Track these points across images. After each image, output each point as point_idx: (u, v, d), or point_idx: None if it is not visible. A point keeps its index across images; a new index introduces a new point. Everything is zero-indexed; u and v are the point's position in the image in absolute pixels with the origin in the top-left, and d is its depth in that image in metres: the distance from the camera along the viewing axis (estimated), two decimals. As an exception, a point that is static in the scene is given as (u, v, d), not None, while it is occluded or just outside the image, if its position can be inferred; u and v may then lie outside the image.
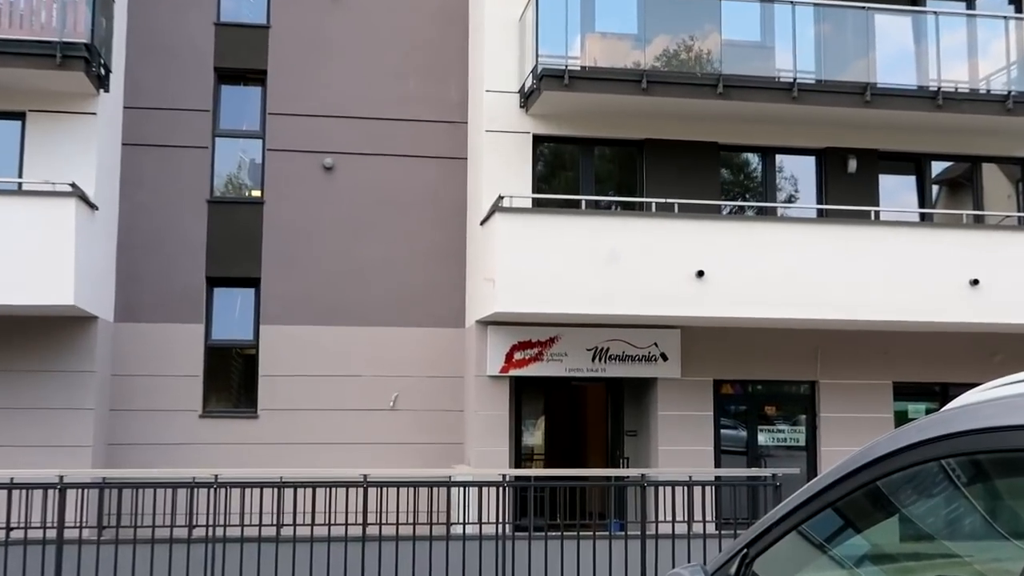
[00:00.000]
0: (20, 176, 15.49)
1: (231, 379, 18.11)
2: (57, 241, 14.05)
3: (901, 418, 17.20)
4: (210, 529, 10.44)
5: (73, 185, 14.33)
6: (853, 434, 16.54)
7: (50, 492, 10.41)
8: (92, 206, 15.03)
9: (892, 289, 15.38)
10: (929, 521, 2.55)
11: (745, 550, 2.54)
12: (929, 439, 2.11)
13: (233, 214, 17.88)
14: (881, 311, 15.49)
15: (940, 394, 17.69)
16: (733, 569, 2.53)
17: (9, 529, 10.66)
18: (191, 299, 17.43)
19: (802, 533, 2.51)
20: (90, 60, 14.82)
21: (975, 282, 15.38)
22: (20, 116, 15.74)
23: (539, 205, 16.42)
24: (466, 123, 18.18)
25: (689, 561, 10.27)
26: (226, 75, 18.14)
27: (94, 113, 15.68)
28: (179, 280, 17.38)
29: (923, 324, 16.04)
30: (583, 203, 16.58)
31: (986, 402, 2.09)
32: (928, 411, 16.75)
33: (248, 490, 10.89)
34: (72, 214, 14.08)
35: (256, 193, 18.14)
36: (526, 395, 17.84)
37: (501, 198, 15.09)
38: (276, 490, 11.07)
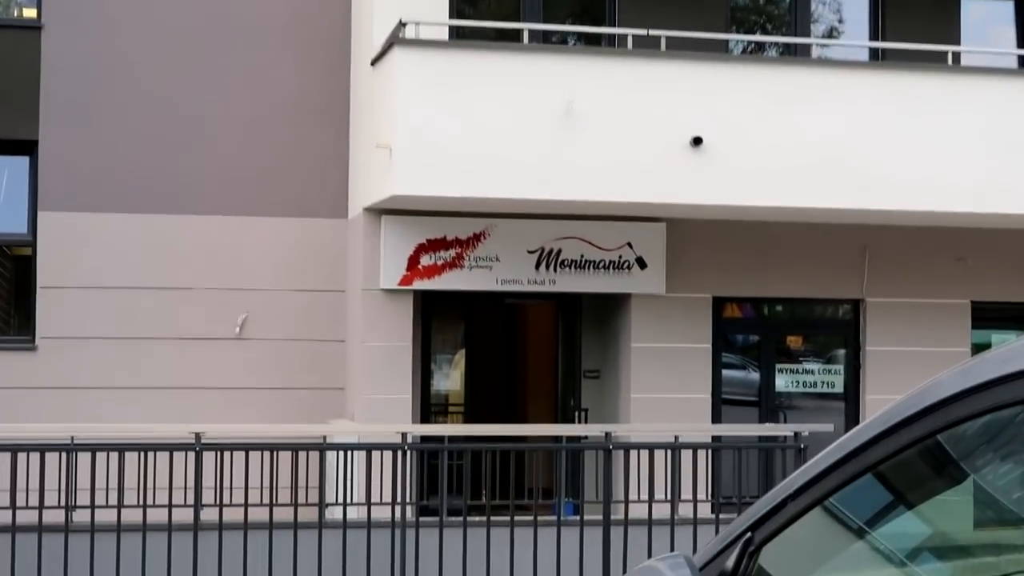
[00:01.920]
0: None
1: (-6, 292, 17.90)
2: None
3: (982, 351, 17.56)
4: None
5: None
6: (912, 376, 16.83)
7: None
8: None
9: (976, 167, 15.55)
10: (1018, 495, 2.58)
11: (749, 534, 2.56)
12: (1019, 372, 2.11)
13: (-7, 44, 17.48)
14: (959, 199, 15.68)
15: (1037, 320, 18.11)
16: (731, 561, 2.54)
17: None
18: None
19: (829, 510, 2.53)
20: None
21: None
22: None
23: (461, 36, 16.25)
24: (349, -93, 17.88)
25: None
26: None
27: None
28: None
29: (1020, 218, 16.28)
30: (525, 34, 16.42)
31: None
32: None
33: (23, 455, 10.81)
34: None
35: (29, 12, 17.70)
36: (438, 318, 17.89)
37: (403, 25, 14.89)
38: (64, 455, 11.01)
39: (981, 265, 17.61)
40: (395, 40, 14.90)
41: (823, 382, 18.02)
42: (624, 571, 10.95)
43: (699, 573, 2.49)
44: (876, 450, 2.35)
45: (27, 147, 17.44)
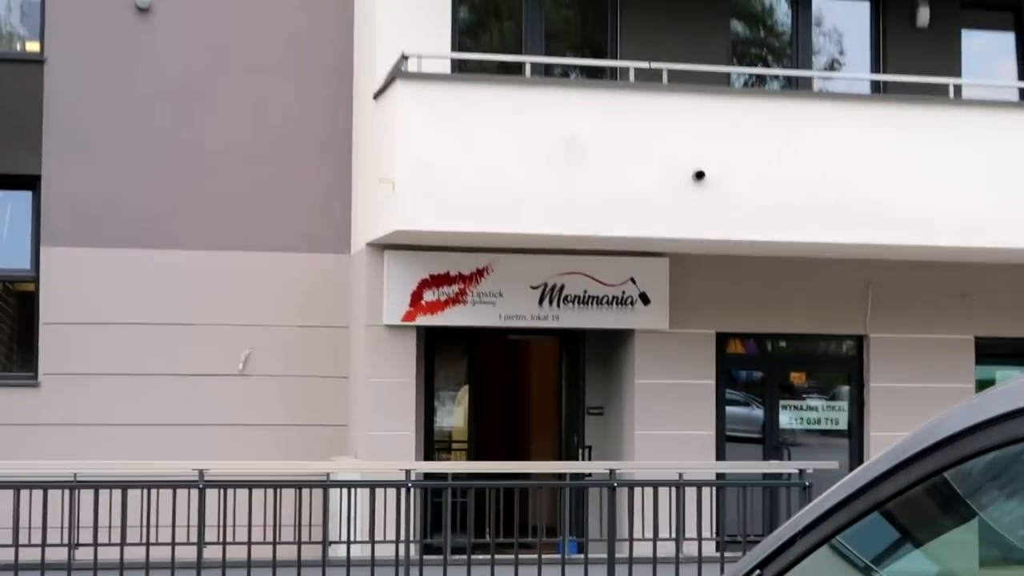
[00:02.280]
0: None
1: (-4, 328, 17.89)
2: None
3: (986, 387, 17.55)
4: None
5: None
6: (916, 412, 16.85)
7: None
8: None
9: (980, 201, 15.57)
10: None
11: (758, 572, 2.57)
12: None
13: (-3, 78, 17.53)
14: (963, 233, 15.69)
15: (1042, 354, 18.11)
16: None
17: None
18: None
19: (837, 548, 2.54)
20: None
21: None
22: None
23: (463, 70, 16.28)
24: (352, -56, 17.95)
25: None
26: None
27: None
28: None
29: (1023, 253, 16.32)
30: (527, 67, 16.49)
31: None
32: (1025, 379, 17.07)
33: (26, 492, 10.81)
34: None
35: (32, 46, 17.74)
36: (442, 354, 17.88)
37: (405, 58, 14.93)
38: (67, 492, 11.01)
39: (985, 300, 17.61)
40: (397, 74, 14.93)
41: (827, 419, 18.01)
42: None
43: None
44: (884, 487, 2.36)
45: (30, 182, 17.43)
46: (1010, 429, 2.14)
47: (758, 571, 2.53)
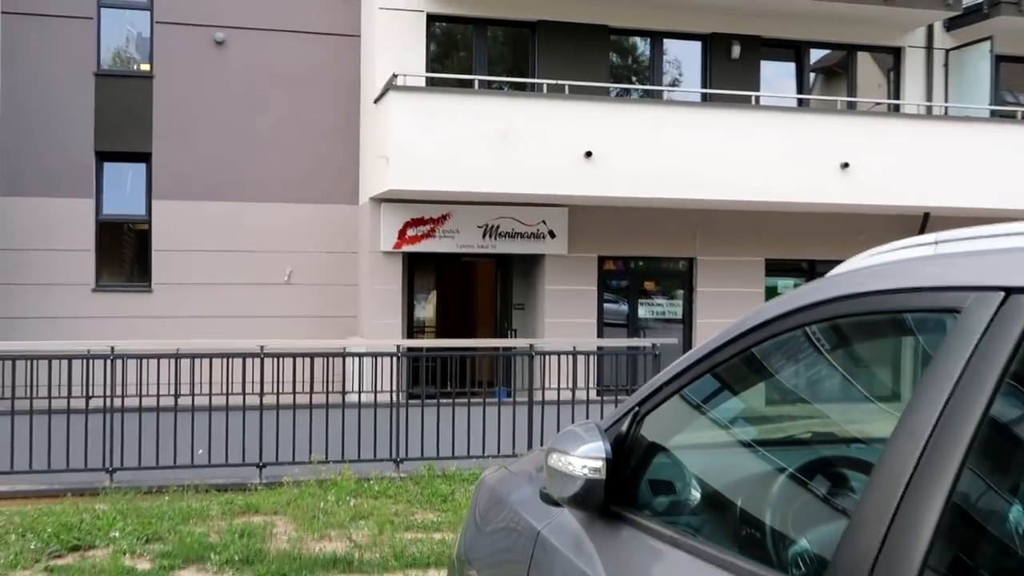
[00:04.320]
0: None
1: (124, 254, 17.65)
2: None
3: (771, 292, 17.80)
4: (107, 400, 10.26)
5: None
6: (727, 307, 17.07)
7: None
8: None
9: (769, 171, 15.70)
10: (795, 383, 2.61)
11: (637, 408, 2.58)
12: (808, 304, 2.11)
13: (122, 88, 17.15)
14: (758, 192, 15.83)
15: (807, 270, 18.35)
16: (625, 426, 2.57)
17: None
18: (80, 174, 16.80)
19: (684, 397, 2.56)
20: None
21: (846, 165, 15.82)
22: None
23: (433, 84, 16.13)
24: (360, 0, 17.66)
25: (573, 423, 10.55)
26: (110, -58, 17.17)
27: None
28: (67, 154, 16.71)
29: (797, 204, 16.48)
30: (476, 83, 16.39)
31: (860, 270, 2.10)
32: (796, 286, 17.32)
33: (144, 361, 10.71)
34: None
35: (145, 67, 17.39)
36: (418, 270, 17.86)
37: (395, 76, 14.77)
38: (173, 361, 10.92)
39: (771, 235, 17.80)
40: (390, 87, 14.76)
41: (669, 311, 18.14)
42: (542, 435, 11.03)
43: (603, 434, 2.50)
44: (716, 356, 2.37)
45: (145, 157, 17.22)
46: (797, 319, 2.15)
47: (637, 408, 2.55)
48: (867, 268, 2.07)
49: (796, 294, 2.21)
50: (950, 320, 1.71)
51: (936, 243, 1.95)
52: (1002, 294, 1.61)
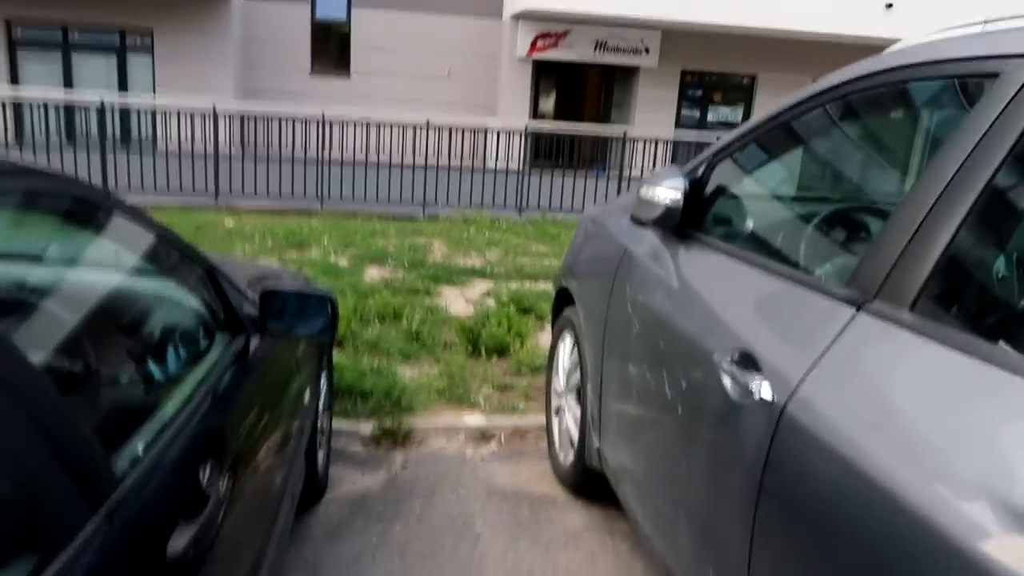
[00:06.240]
0: None
1: (331, 49, 17.44)
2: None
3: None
4: (319, 152, 10.44)
5: None
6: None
7: (206, 118, 10.31)
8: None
9: (823, 6, 14.25)
10: (848, 145, 2.37)
11: (711, 157, 2.45)
12: (868, 73, 1.87)
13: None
14: (812, 23, 14.45)
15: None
16: (701, 171, 2.45)
17: (179, 143, 10.63)
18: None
19: (748, 152, 2.38)
20: None
21: (889, 6, 14.26)
22: None
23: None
24: None
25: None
26: None
27: None
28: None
29: (845, 37, 15.03)
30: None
31: (916, 46, 1.85)
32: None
33: (344, 125, 10.79)
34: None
35: None
36: (543, 74, 17.22)
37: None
38: (364, 127, 10.98)
39: (822, 65, 16.41)
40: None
41: (731, 118, 17.21)
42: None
43: (684, 175, 2.40)
44: (779, 119, 2.18)
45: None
46: (858, 85, 1.89)
47: (711, 157, 2.41)
48: (922, 44, 1.82)
49: (856, 67, 1.96)
50: (989, 83, 1.50)
51: (985, 23, 1.71)
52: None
